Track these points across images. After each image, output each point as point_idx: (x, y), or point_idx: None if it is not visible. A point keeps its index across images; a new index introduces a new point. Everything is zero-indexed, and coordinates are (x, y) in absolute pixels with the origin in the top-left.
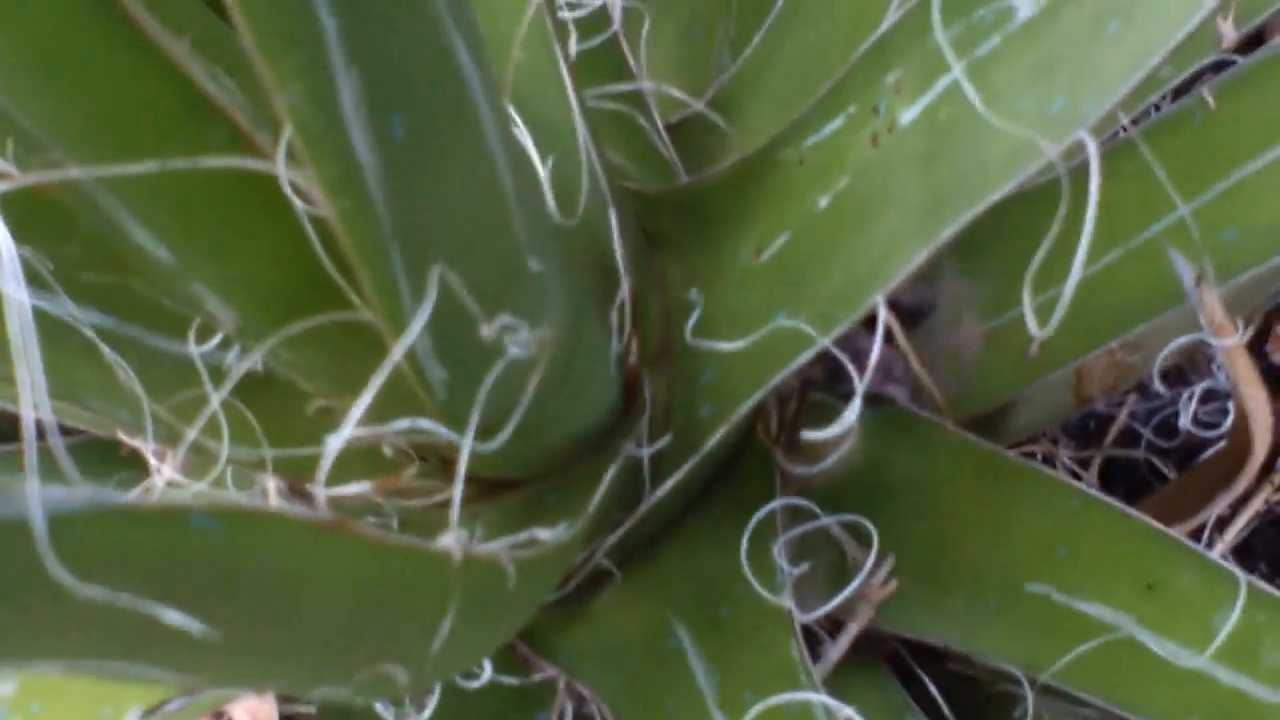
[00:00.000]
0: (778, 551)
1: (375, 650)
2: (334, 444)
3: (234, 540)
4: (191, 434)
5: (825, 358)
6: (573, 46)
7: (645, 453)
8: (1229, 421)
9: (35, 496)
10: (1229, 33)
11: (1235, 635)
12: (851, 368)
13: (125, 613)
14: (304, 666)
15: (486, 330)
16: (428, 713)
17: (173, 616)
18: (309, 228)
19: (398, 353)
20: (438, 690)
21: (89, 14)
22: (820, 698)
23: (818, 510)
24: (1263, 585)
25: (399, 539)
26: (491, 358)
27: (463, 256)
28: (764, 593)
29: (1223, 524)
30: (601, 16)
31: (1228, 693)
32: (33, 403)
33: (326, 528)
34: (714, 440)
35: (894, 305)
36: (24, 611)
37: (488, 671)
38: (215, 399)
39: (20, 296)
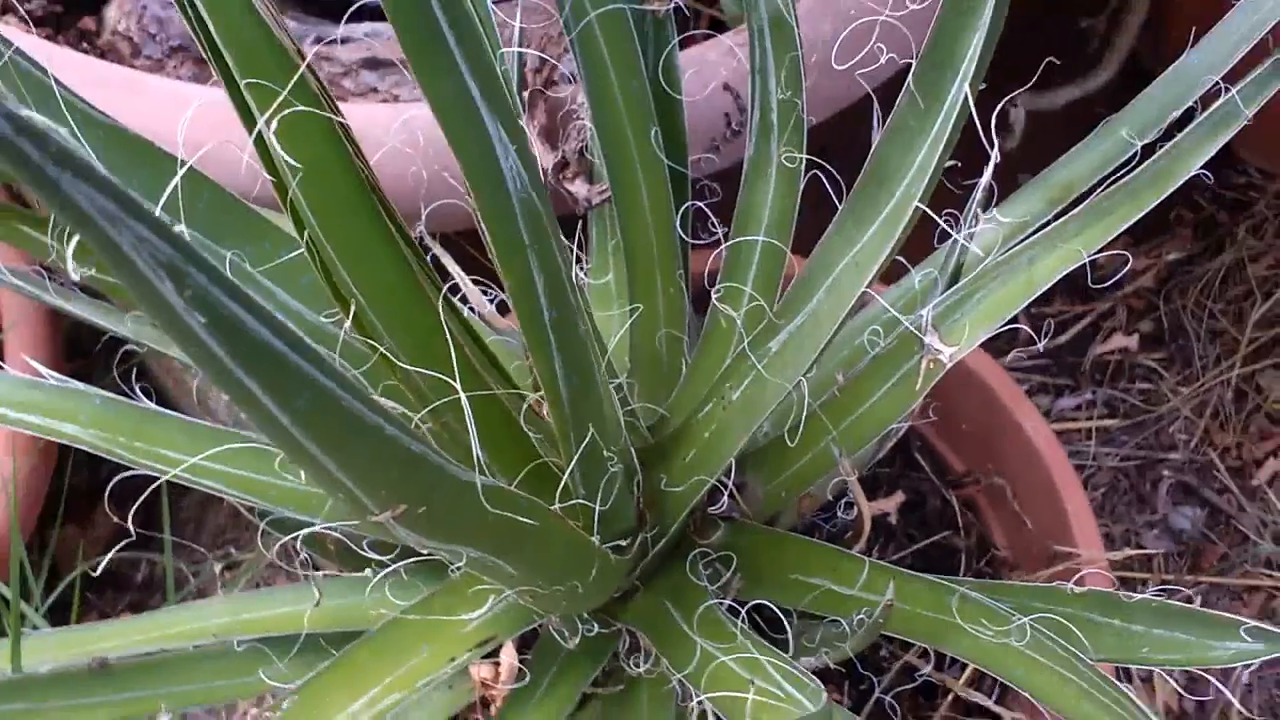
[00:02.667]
0: (698, 573)
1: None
2: None
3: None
4: None
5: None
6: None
7: (648, 535)
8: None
9: None
10: None
11: (868, 580)
12: (728, 500)
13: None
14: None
15: (611, 466)
16: (574, 641)
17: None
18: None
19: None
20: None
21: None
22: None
23: (713, 553)
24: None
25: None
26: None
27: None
28: (700, 585)
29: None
30: None
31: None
32: None
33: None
34: (674, 529)
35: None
36: None
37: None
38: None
39: None
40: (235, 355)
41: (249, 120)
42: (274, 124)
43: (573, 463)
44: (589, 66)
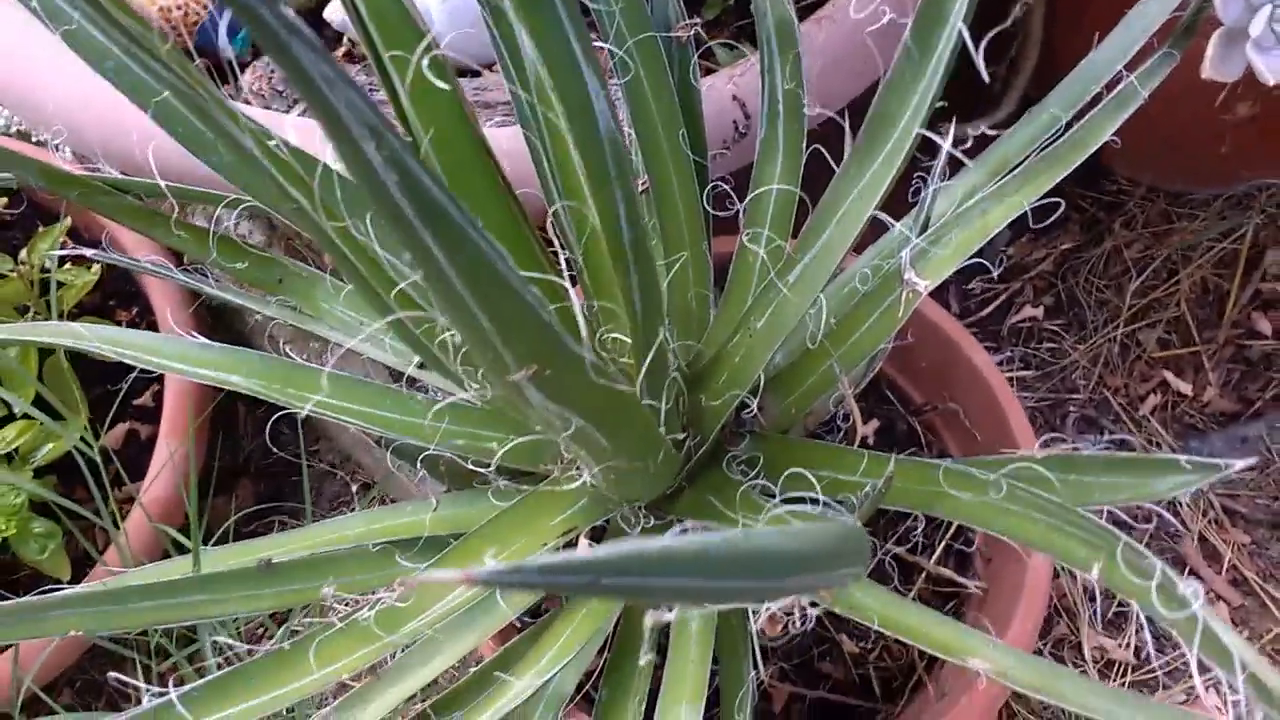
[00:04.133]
0: (733, 470)
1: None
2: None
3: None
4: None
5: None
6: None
7: (692, 443)
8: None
9: None
10: None
11: (867, 467)
12: (751, 417)
13: None
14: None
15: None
16: (637, 531)
17: None
18: None
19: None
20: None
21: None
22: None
23: (742, 456)
24: (880, 453)
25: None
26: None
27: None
28: (735, 478)
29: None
30: None
31: (861, 484)
32: None
33: None
34: (712, 437)
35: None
36: None
37: (651, 521)
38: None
39: None
40: (419, 211)
41: (391, 92)
42: (408, 89)
43: (644, 365)
44: (630, 81)
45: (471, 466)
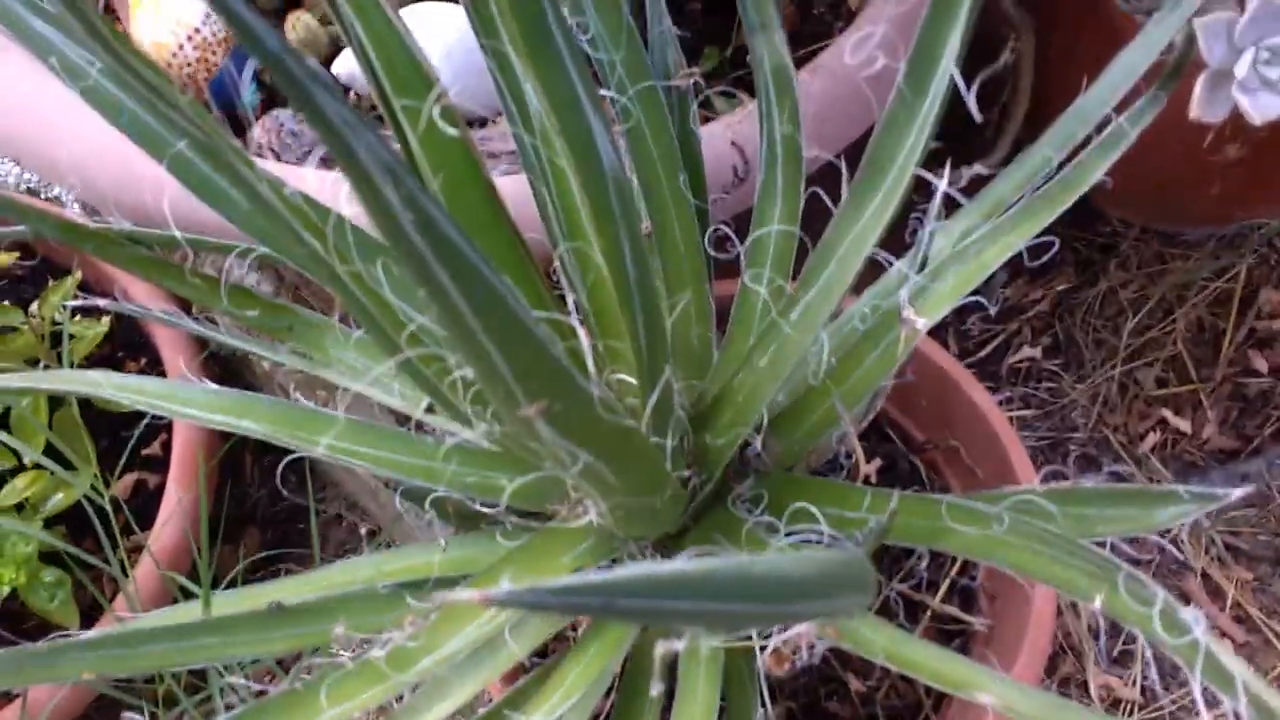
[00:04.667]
0: (738, 508)
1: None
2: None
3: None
4: None
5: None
6: None
7: (698, 482)
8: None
9: None
10: None
11: (871, 503)
12: (755, 456)
13: None
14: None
15: (680, 411)
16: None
17: None
18: None
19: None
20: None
21: None
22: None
23: (746, 494)
24: (884, 490)
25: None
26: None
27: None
28: (741, 516)
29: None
30: None
31: (864, 520)
32: None
33: None
34: (718, 476)
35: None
36: None
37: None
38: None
39: None
40: (434, 249)
41: (401, 139)
42: (418, 136)
43: (650, 404)
44: (631, 128)
45: (480, 508)
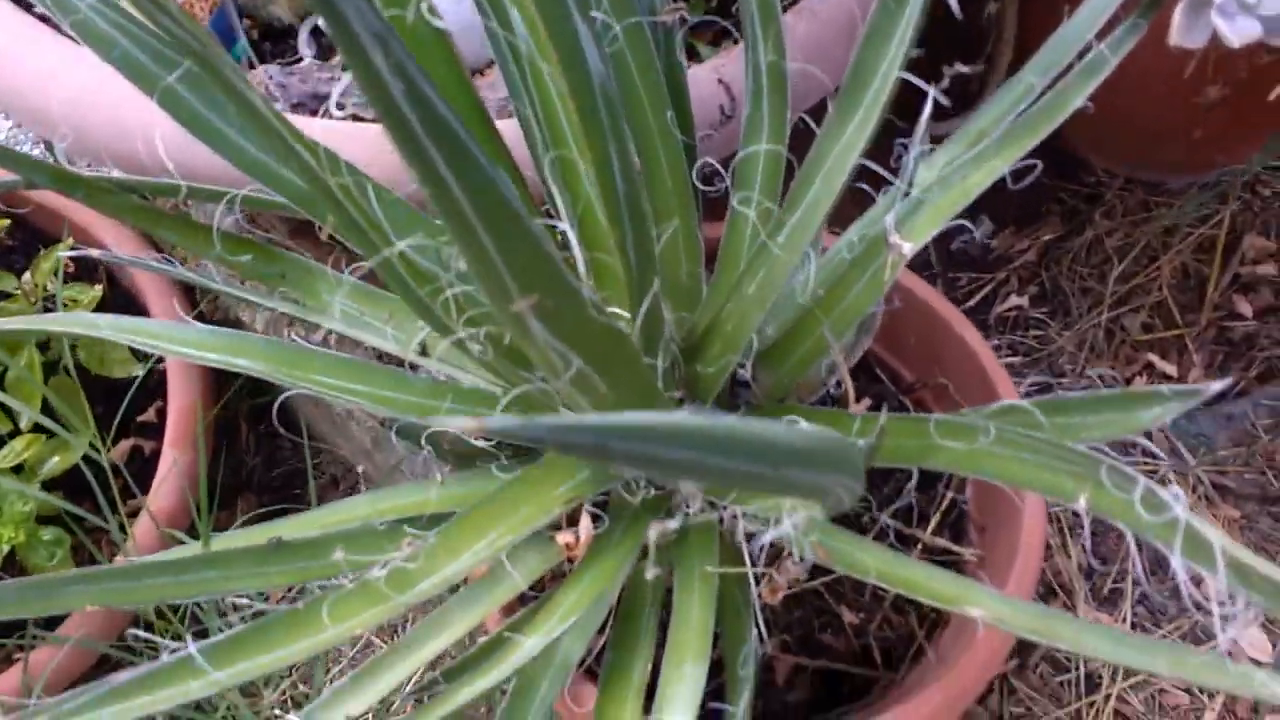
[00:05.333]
0: None
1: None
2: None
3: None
4: None
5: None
6: None
7: (690, 409)
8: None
9: None
10: None
11: (860, 428)
12: (744, 389)
13: None
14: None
15: (671, 341)
16: (638, 498)
17: None
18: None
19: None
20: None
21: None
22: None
23: None
24: (871, 413)
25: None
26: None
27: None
28: None
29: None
30: None
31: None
32: None
33: None
34: (709, 405)
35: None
36: None
37: (651, 492)
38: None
39: None
40: (424, 122)
41: None
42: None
43: (639, 318)
44: (617, 66)
45: (476, 443)
